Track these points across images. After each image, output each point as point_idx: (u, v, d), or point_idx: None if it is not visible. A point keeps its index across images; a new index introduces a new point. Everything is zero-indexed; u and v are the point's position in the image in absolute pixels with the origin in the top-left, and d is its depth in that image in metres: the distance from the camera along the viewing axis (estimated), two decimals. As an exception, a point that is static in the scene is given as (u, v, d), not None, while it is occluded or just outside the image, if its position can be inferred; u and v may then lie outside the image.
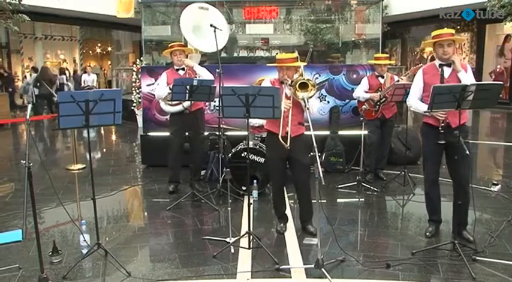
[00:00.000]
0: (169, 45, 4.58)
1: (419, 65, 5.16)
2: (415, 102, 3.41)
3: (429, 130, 3.37)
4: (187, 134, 4.42)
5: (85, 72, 13.53)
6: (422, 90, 3.41)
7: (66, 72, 14.14)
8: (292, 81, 3.28)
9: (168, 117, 4.91)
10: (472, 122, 9.65)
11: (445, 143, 3.22)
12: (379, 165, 5.23)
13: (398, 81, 4.89)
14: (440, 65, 3.33)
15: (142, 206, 4.57)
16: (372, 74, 5.17)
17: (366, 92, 5.05)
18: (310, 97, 3.17)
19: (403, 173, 4.90)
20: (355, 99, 5.24)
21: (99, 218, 3.29)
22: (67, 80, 13.66)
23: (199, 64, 4.83)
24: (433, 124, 3.33)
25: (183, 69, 4.57)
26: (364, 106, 4.93)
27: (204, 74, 4.48)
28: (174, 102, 4.46)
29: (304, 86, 3.17)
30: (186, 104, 4.42)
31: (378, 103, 4.93)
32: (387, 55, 5.28)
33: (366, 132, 4.95)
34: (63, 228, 3.78)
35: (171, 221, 3.96)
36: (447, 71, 3.32)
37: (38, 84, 10.92)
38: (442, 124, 3.25)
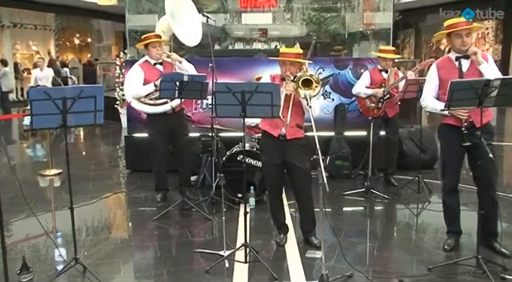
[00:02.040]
0: (144, 36, 4.55)
1: (430, 59, 5.17)
2: (431, 102, 3.36)
3: (449, 131, 3.31)
4: (170, 135, 4.44)
5: (36, 66, 11.54)
6: (438, 87, 3.38)
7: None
8: (294, 77, 3.29)
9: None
10: (497, 121, 9.60)
11: (470, 145, 3.16)
12: (389, 170, 5.26)
13: (400, 79, 4.91)
14: (457, 58, 3.30)
15: (126, 216, 4.56)
16: (374, 68, 5.20)
17: (368, 87, 5.09)
18: (315, 95, 3.17)
19: (417, 178, 4.90)
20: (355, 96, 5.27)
21: (77, 230, 3.26)
22: (70, 74, 13.89)
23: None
24: (455, 124, 3.26)
25: (160, 63, 4.54)
26: (371, 104, 4.92)
27: (190, 70, 4.47)
28: (159, 101, 4.45)
29: (307, 83, 3.18)
30: (175, 103, 4.43)
31: (382, 100, 4.95)
32: (394, 48, 5.31)
33: (382, 133, 4.98)
34: (35, 242, 3.74)
35: (159, 233, 3.95)
36: (465, 64, 3.29)
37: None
38: (465, 123, 3.20)
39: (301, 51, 3.49)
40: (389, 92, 4.93)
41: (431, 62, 5.10)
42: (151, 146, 4.60)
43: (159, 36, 4.57)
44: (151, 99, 4.46)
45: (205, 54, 6.52)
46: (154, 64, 4.53)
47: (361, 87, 5.11)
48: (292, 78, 3.31)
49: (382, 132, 5.23)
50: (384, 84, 4.99)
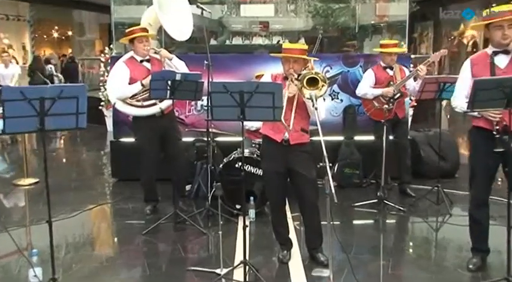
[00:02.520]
0: (129, 30, 4.57)
1: (443, 50, 5.19)
2: (461, 101, 3.25)
3: (480, 135, 3.24)
4: (161, 140, 4.45)
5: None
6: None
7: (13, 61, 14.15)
8: (299, 76, 3.31)
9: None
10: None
11: (503, 151, 3.05)
12: (404, 179, 5.27)
13: (410, 75, 4.93)
14: (495, 53, 3.19)
15: (111, 230, 4.57)
16: (377, 66, 5.23)
17: (373, 87, 5.12)
18: (321, 95, 3.19)
19: (436, 188, 4.92)
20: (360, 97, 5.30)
21: (55, 247, 3.25)
22: (56, 71, 13.98)
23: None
24: (486, 127, 3.18)
25: (147, 60, 4.57)
26: (385, 106, 4.88)
27: (182, 69, 4.49)
28: (146, 103, 4.47)
29: (313, 82, 3.20)
30: (165, 104, 4.44)
31: (392, 99, 4.97)
32: (396, 42, 5.37)
33: (390, 137, 5.01)
34: (6, 261, 3.73)
35: (148, 249, 3.96)
36: (504, 60, 3.19)
37: (32, 74, 11.83)
38: (497, 127, 3.10)
39: (306, 47, 3.52)
40: (400, 90, 4.97)
41: (444, 52, 5.19)
42: (139, 152, 4.62)
43: (145, 30, 4.59)
44: (137, 100, 4.48)
45: (200, 50, 6.57)
46: (141, 61, 4.55)
47: (367, 87, 5.13)
48: (296, 76, 3.34)
49: (390, 136, 5.27)
50: (391, 82, 5.02)
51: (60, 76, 14.26)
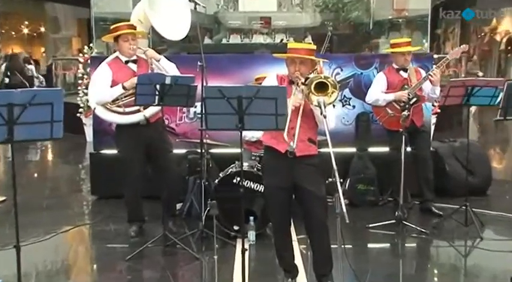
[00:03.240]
0: (114, 27, 4.63)
1: (462, 46, 5.23)
2: None
3: None
4: (148, 152, 4.50)
5: None
6: None
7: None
8: (306, 79, 3.35)
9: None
10: None
11: None
12: (427, 196, 5.30)
13: (426, 77, 4.95)
14: None
15: (90, 256, 4.59)
16: (389, 68, 5.30)
17: (385, 92, 5.18)
18: (331, 103, 3.24)
19: (464, 207, 4.91)
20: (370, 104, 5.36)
21: (23, 275, 3.20)
22: (37, 72, 14.04)
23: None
24: None
25: (134, 61, 4.63)
26: (403, 113, 4.86)
27: (171, 71, 4.54)
28: (128, 109, 4.52)
29: (321, 87, 3.23)
30: (149, 111, 4.49)
31: (407, 105, 4.98)
32: (409, 40, 5.41)
33: (408, 148, 5.04)
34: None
35: (132, 277, 3.97)
36: None
37: (9, 73, 12.25)
38: None
39: (314, 46, 3.56)
40: (416, 93, 5.01)
41: (464, 48, 5.24)
42: (122, 166, 4.66)
43: (132, 27, 4.67)
44: (119, 106, 4.53)
45: (192, 49, 6.60)
46: (126, 62, 4.62)
47: (378, 92, 5.19)
48: (302, 80, 3.37)
49: (408, 148, 5.30)
50: (406, 86, 5.07)
51: (41, 78, 14.26)
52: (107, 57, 4.92)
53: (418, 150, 5.24)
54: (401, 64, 5.12)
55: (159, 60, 4.59)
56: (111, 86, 4.53)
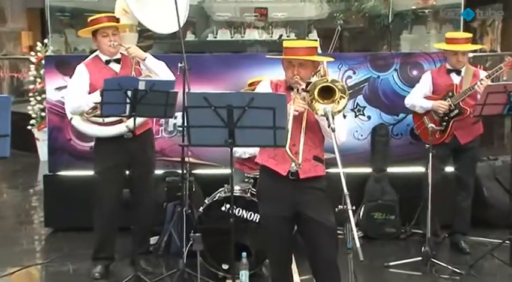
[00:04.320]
0: (92, 19, 4.67)
1: None
2: None
3: None
4: (127, 173, 4.50)
5: None
6: None
7: None
8: (307, 85, 3.33)
9: (93, 144, 4.98)
10: None
11: None
12: (460, 228, 5.33)
13: (471, 88, 4.93)
14: None
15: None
16: (440, 68, 5.34)
17: (428, 97, 5.21)
18: (339, 111, 3.24)
19: (507, 242, 4.91)
20: (413, 111, 5.37)
21: None
22: None
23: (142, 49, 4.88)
24: None
25: (117, 61, 4.69)
26: (430, 125, 4.93)
27: (162, 73, 4.60)
28: (108, 119, 4.55)
29: (328, 93, 3.23)
30: (133, 123, 4.50)
31: (447, 117, 5.06)
32: (469, 35, 5.36)
33: (448, 169, 5.11)
34: None
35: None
36: None
37: None
38: None
39: (315, 43, 3.59)
40: (460, 105, 5.02)
41: None
42: (96, 190, 4.69)
43: (113, 19, 4.71)
44: (97, 116, 4.54)
45: (172, 48, 6.67)
46: (107, 62, 4.67)
47: (417, 97, 5.23)
48: (303, 86, 3.37)
49: (449, 168, 5.34)
50: (450, 93, 5.08)
51: None
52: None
53: (460, 172, 5.27)
54: (454, 64, 5.12)
55: (144, 59, 4.62)
56: (90, 92, 4.56)
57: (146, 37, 6.92)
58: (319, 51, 6.59)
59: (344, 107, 3.26)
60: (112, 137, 4.58)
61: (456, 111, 5.04)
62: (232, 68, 5.85)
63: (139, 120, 4.47)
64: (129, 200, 4.74)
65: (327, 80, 3.28)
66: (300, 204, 3.49)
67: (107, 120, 4.54)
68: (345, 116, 3.52)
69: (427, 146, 4.84)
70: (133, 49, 4.63)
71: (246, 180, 4.85)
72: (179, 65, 4.59)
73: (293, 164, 3.36)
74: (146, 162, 4.75)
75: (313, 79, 3.48)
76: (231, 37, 8.12)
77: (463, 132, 5.11)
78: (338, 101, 3.22)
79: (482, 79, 4.90)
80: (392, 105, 5.89)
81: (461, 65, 5.10)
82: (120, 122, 4.54)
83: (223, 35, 8.17)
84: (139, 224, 4.73)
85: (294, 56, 3.45)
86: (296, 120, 3.39)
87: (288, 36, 7.91)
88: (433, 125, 4.91)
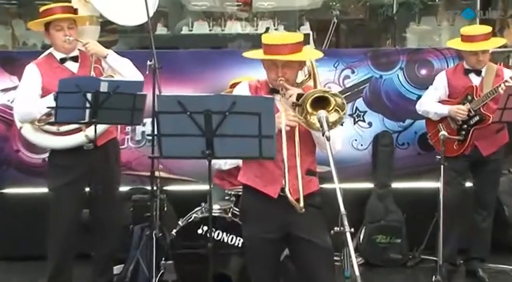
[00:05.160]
0: (44, 9, 4.64)
1: None
2: None
3: None
4: (87, 190, 4.49)
5: None
6: None
7: None
8: (299, 97, 3.30)
9: (46, 156, 4.97)
10: None
11: None
12: (477, 252, 5.35)
13: (494, 91, 4.90)
14: None
15: None
16: (456, 67, 5.36)
17: (443, 102, 5.23)
18: (336, 123, 3.23)
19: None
20: (421, 117, 5.44)
21: None
22: None
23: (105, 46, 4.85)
24: None
25: (74, 59, 4.67)
26: (442, 133, 4.98)
27: (127, 72, 4.59)
28: (65, 128, 4.53)
29: (321, 102, 3.23)
30: (93, 132, 4.49)
31: (466, 125, 5.09)
32: (488, 29, 5.31)
33: (467, 184, 5.16)
34: None
35: None
36: None
37: None
38: None
39: (300, 36, 3.57)
40: (481, 110, 5.03)
41: None
42: (51, 211, 4.65)
43: (70, 10, 4.68)
44: (51, 124, 4.50)
45: (140, 43, 6.69)
46: (63, 60, 4.64)
47: (431, 101, 5.25)
48: (294, 98, 3.33)
49: (468, 184, 5.37)
50: (470, 97, 5.09)
51: None
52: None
53: (480, 189, 5.28)
54: (473, 64, 5.10)
55: (105, 57, 4.60)
56: (42, 96, 4.51)
57: (109, 31, 6.87)
58: (311, 45, 6.68)
59: (339, 121, 3.25)
60: (69, 149, 4.55)
61: (477, 118, 5.04)
62: (211, 67, 5.88)
63: (101, 128, 4.46)
64: (89, 221, 4.72)
65: (321, 91, 3.28)
66: (290, 224, 3.50)
67: (63, 128, 4.51)
68: (342, 123, 3.48)
69: (438, 157, 4.88)
70: (92, 45, 4.60)
71: (227, 197, 4.84)
72: (148, 63, 4.60)
73: (284, 182, 3.35)
74: (109, 177, 4.73)
75: (300, 78, 3.52)
76: (210, 30, 8.07)
77: (485, 143, 5.11)
78: (333, 110, 3.21)
79: (506, 80, 4.86)
80: (397, 110, 5.93)
81: (482, 65, 5.09)
82: (79, 130, 4.52)
83: (200, 27, 8.14)
84: (101, 250, 4.73)
85: (276, 54, 3.43)
86: (290, 129, 3.38)
87: (276, 29, 7.86)
88: (445, 133, 4.93)
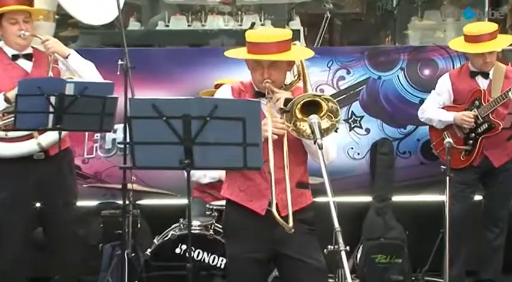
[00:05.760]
0: None
1: None
2: None
3: None
4: (38, 206, 4.47)
5: None
6: None
7: None
8: (287, 102, 3.29)
9: None
10: None
11: None
12: (487, 275, 5.37)
13: (503, 96, 4.91)
14: None
15: None
16: (461, 69, 5.38)
17: (447, 108, 5.26)
18: (329, 130, 3.22)
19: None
20: (424, 123, 5.46)
21: None
22: None
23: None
24: None
25: (28, 57, 4.65)
26: (447, 140, 4.97)
27: (89, 76, 4.56)
28: (15, 134, 4.49)
29: (311, 107, 3.24)
30: (48, 138, 4.48)
31: (474, 134, 5.11)
32: (495, 27, 5.32)
33: (477, 197, 5.19)
34: None
35: None
36: None
37: None
38: None
39: (288, 33, 3.57)
40: (490, 117, 5.05)
41: None
42: None
43: (26, 2, 4.62)
44: (4, 129, 4.47)
45: (109, 39, 6.72)
46: (15, 57, 4.63)
47: (433, 107, 5.28)
48: (281, 104, 3.33)
49: (478, 197, 5.40)
50: (477, 102, 5.12)
51: None
52: None
53: (491, 203, 5.32)
54: (480, 66, 5.13)
55: (67, 57, 4.57)
56: None
57: (70, 25, 6.86)
58: (302, 42, 6.69)
59: (333, 128, 3.25)
60: (16, 158, 4.52)
61: (485, 126, 5.07)
62: (190, 66, 5.89)
63: (55, 136, 4.41)
64: (43, 241, 4.70)
65: (312, 95, 3.28)
66: (279, 243, 3.49)
67: (12, 134, 4.47)
68: (336, 129, 3.46)
69: (443, 167, 4.90)
70: (52, 42, 4.58)
71: (208, 212, 4.83)
72: (119, 62, 4.59)
73: (272, 197, 3.33)
74: (64, 191, 4.64)
75: (289, 80, 3.52)
76: (188, 26, 8.08)
77: (496, 152, 5.15)
78: (324, 115, 3.22)
79: None
80: (397, 115, 5.97)
81: (489, 67, 5.12)
82: (30, 137, 4.49)
83: (178, 22, 8.14)
84: (61, 272, 4.70)
85: (262, 54, 3.43)
86: (277, 138, 3.37)
87: (262, 25, 7.88)
88: (451, 140, 4.90)
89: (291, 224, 3.25)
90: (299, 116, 3.23)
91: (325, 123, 3.21)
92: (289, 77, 3.59)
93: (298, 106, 3.21)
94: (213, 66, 5.75)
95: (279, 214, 3.32)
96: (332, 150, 3.45)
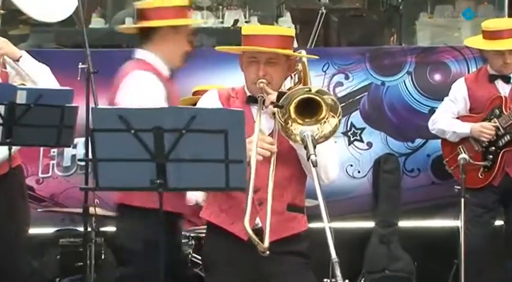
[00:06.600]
0: None
1: None
2: None
3: None
4: None
5: None
6: None
7: None
8: (279, 96, 3.33)
9: None
10: None
11: None
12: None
13: None
14: None
15: None
16: (478, 73, 5.45)
17: (463, 118, 5.30)
18: (326, 137, 3.25)
19: None
20: (436, 136, 5.50)
21: None
22: None
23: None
24: None
25: None
26: (462, 156, 5.04)
27: (43, 81, 4.59)
28: None
29: (310, 108, 3.27)
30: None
31: (494, 147, 5.15)
32: None
33: (497, 222, 5.26)
34: None
35: None
36: None
37: None
38: None
39: (290, 31, 3.64)
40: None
41: None
42: None
43: None
44: None
45: (67, 39, 6.74)
46: None
47: (447, 117, 5.32)
48: (273, 97, 3.36)
49: (498, 222, 5.46)
50: (497, 110, 5.18)
51: None
52: None
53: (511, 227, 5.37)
54: (499, 68, 5.17)
55: (18, 60, 4.60)
56: None
57: (20, 21, 6.87)
58: (295, 44, 6.73)
59: (332, 132, 3.26)
60: None
61: (507, 138, 5.12)
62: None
63: (3, 153, 4.43)
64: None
65: (310, 90, 3.29)
66: (266, 276, 3.51)
67: None
68: (335, 142, 3.46)
69: (457, 187, 4.92)
70: (2, 43, 4.61)
71: (185, 241, 4.85)
72: (80, 65, 4.62)
73: (257, 220, 3.39)
74: (13, 216, 4.68)
75: (288, 84, 3.56)
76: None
77: None
78: (324, 121, 3.24)
79: None
80: (403, 126, 6.04)
81: (509, 69, 5.16)
82: None
83: (150, 20, 8.21)
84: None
85: (258, 45, 3.45)
86: (262, 159, 3.35)
87: (247, 22, 7.93)
88: (466, 157, 4.93)
89: (266, 244, 3.20)
90: (293, 115, 3.25)
91: (328, 127, 3.22)
92: (289, 85, 3.63)
93: (294, 102, 3.23)
94: (191, 70, 5.71)
95: (264, 238, 3.24)
96: (332, 168, 3.47)
